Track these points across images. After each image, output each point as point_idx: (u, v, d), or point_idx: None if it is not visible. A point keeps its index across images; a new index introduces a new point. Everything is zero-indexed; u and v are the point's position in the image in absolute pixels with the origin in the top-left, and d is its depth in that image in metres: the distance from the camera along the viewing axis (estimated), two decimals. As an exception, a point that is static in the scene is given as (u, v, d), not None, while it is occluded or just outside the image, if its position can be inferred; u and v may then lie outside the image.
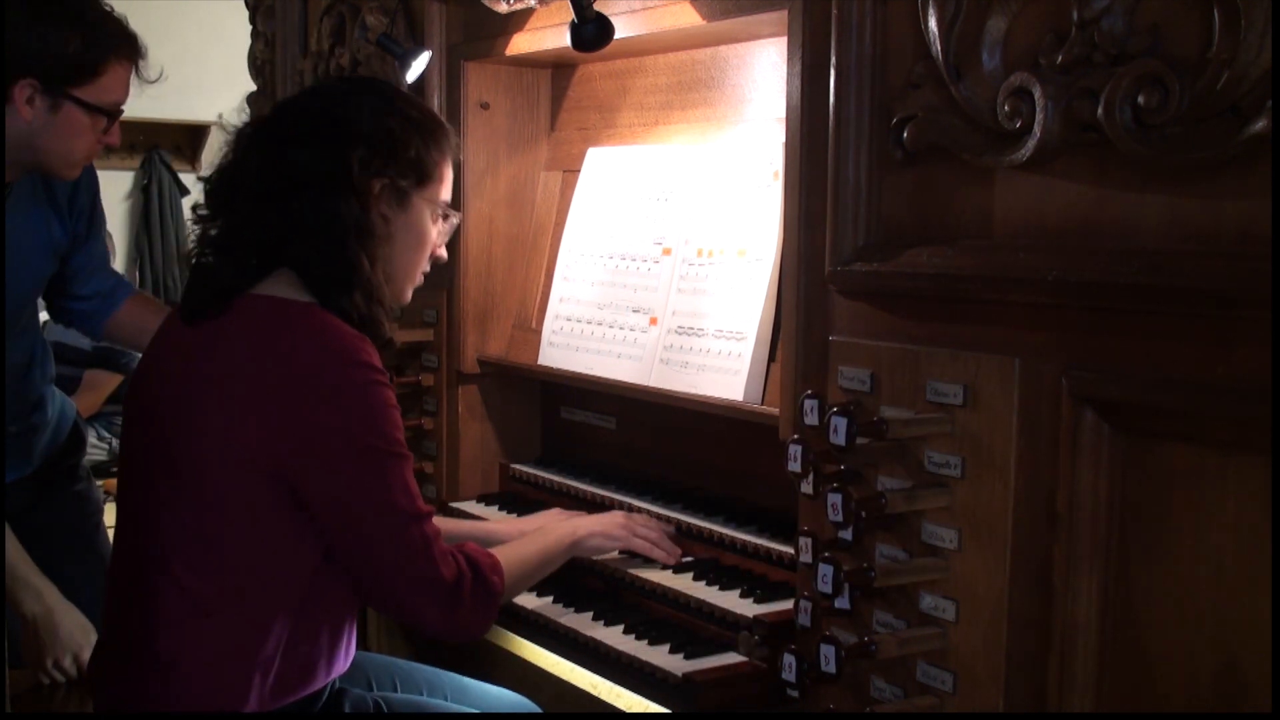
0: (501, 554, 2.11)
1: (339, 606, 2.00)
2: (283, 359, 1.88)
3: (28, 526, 2.74)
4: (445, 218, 2.15)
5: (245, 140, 2.04)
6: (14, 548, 2.54)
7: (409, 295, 2.17)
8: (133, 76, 2.60)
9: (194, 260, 2.03)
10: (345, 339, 1.91)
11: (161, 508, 1.93)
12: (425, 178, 2.07)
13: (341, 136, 1.98)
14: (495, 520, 2.67)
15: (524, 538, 2.29)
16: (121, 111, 2.59)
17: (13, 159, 2.53)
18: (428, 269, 2.18)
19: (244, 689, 1.90)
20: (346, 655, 2.06)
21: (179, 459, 1.91)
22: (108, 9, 2.57)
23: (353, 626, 2.07)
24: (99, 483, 3.22)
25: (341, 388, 1.87)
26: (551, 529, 2.33)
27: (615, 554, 2.44)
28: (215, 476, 1.88)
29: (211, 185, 2.04)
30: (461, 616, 1.97)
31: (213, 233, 2.02)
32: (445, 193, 2.14)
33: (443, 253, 2.21)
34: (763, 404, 2.29)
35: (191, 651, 1.90)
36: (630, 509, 2.55)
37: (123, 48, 2.54)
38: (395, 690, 2.31)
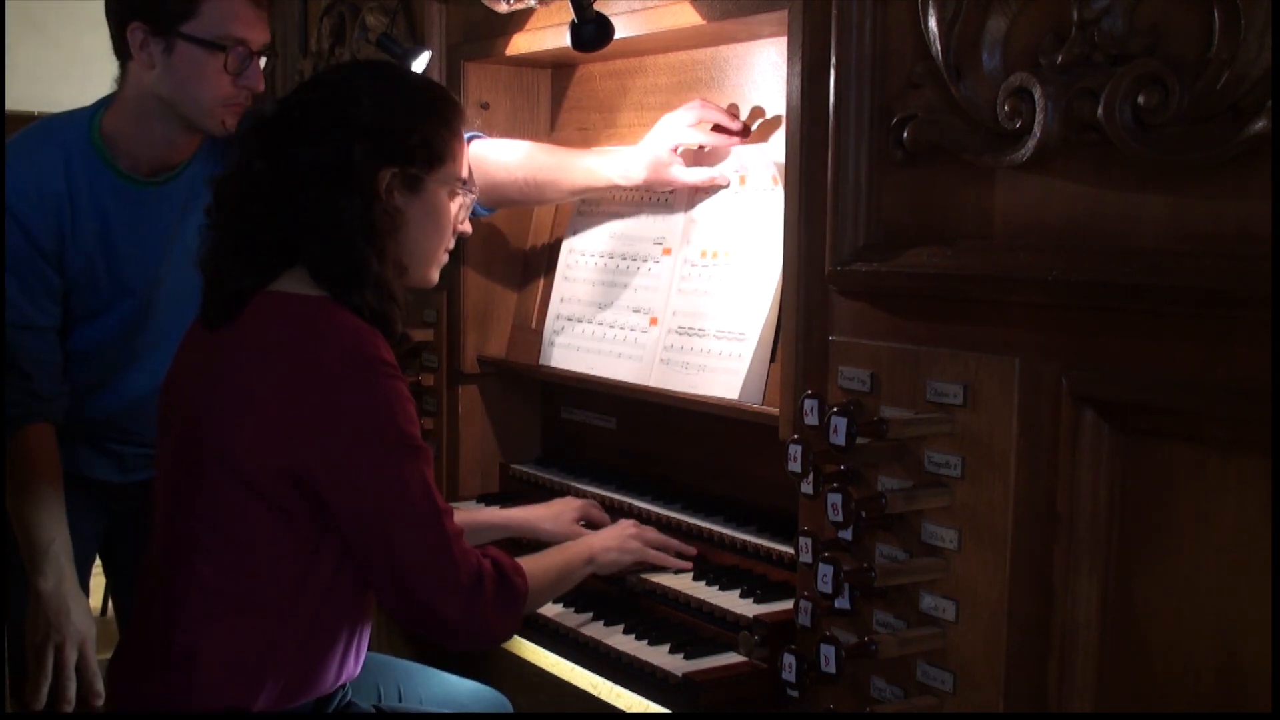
0: (525, 561, 2.07)
1: (355, 610, 2.00)
2: (294, 354, 1.88)
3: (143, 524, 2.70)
4: (462, 193, 2.13)
5: (249, 142, 2.03)
6: (56, 524, 2.45)
7: (435, 276, 2.16)
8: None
9: (207, 266, 2.03)
10: (356, 333, 1.90)
11: (187, 508, 1.94)
12: (437, 159, 2.05)
13: (344, 130, 1.97)
14: (497, 509, 2.64)
15: (544, 552, 2.23)
16: (245, 46, 2.49)
17: (159, 121, 2.51)
18: (451, 245, 2.17)
19: (256, 687, 1.91)
20: (358, 660, 2.06)
21: (202, 460, 1.92)
22: None
23: (366, 631, 2.06)
24: None
25: (352, 381, 1.87)
26: (569, 545, 2.28)
27: None
28: (235, 476, 1.88)
29: (220, 190, 2.04)
30: (482, 615, 1.92)
31: (224, 237, 2.02)
32: (460, 169, 2.12)
33: (467, 227, 2.19)
34: (763, 404, 2.28)
35: (209, 647, 1.91)
36: (630, 509, 2.55)
37: None
38: (399, 693, 2.31)
